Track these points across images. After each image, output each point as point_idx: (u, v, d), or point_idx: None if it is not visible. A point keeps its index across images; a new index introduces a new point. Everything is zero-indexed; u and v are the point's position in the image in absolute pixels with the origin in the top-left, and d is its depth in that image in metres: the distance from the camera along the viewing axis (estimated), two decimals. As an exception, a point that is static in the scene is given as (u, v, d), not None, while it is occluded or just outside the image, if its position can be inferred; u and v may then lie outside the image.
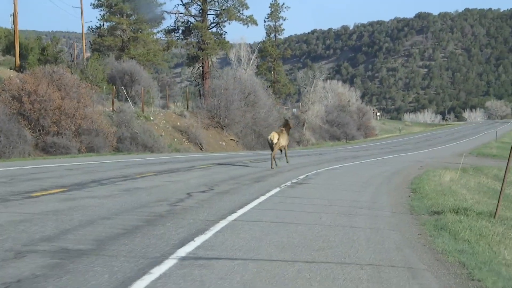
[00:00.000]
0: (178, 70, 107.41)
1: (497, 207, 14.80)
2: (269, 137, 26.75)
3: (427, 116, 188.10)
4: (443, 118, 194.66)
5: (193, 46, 68.50)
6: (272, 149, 26.49)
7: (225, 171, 24.67)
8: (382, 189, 20.52)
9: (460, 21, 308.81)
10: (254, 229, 11.73)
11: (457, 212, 15.18)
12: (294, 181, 21.45)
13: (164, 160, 30.19)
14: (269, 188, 18.58)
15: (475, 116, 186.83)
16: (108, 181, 18.47)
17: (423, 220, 14.19)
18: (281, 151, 27.05)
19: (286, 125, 27.20)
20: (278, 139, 26.24)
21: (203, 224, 11.90)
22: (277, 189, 18.50)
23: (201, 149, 49.65)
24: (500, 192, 14.73)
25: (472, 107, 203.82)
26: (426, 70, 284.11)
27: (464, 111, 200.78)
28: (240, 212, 13.74)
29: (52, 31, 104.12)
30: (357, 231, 12.20)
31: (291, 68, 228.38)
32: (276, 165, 26.91)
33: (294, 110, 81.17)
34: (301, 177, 23.21)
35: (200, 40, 67.85)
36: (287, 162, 27.74)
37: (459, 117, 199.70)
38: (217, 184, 19.06)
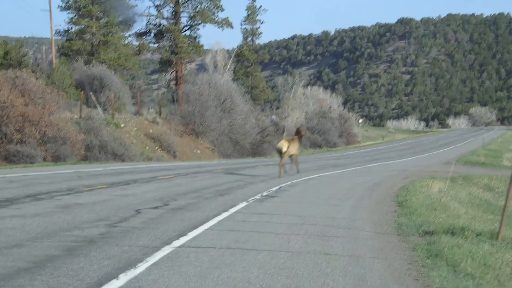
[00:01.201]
0: (156, 76, 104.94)
1: (500, 227, 12.42)
2: (278, 145, 26.31)
3: (411, 123, 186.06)
4: (427, 125, 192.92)
5: (165, 50, 65.85)
6: (281, 157, 26.00)
7: (189, 182, 22.19)
8: (364, 203, 18.08)
9: (443, 27, 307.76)
10: (201, 259, 9.31)
11: (453, 232, 12.80)
12: (264, 194, 18.99)
13: (126, 170, 27.62)
14: (234, 203, 16.13)
15: (459, 123, 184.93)
16: (47, 195, 15.94)
17: (412, 243, 11.80)
18: (291, 159, 26.52)
19: (298, 133, 26.87)
20: (288, 148, 25.63)
21: (139, 253, 9.49)
22: (244, 204, 16.06)
23: (174, 157, 47.11)
24: (503, 211, 12.36)
25: (456, 114, 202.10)
26: (409, 76, 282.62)
27: (448, 118, 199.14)
28: (192, 234, 11.31)
29: (24, 37, 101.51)
30: (332, 260, 9.80)
31: (271, 75, 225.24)
32: (285, 172, 26.51)
33: (273, 116, 78.73)
34: (274, 189, 20.75)
35: (173, 44, 65.20)
36: (297, 171, 27.13)
37: (443, 124, 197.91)
38: (175, 198, 16.58)
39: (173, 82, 67.91)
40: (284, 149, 25.57)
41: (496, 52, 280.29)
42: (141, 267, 8.58)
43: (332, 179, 27.19)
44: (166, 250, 9.78)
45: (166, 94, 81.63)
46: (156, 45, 67.24)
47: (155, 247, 9.98)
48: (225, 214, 13.98)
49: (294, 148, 26.00)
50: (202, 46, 67.77)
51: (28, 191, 16.80)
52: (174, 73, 66.63)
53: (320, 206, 16.65)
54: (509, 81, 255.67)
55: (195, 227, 12.02)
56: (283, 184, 22.56)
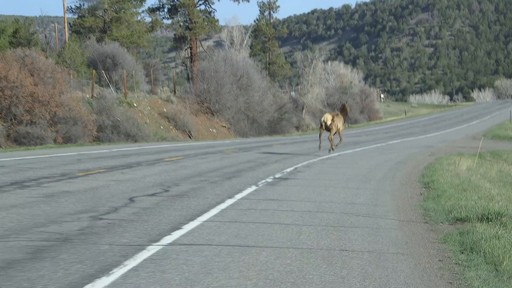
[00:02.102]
0: (173, 54, 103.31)
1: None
2: (322, 119, 25.08)
3: (434, 97, 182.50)
4: (451, 99, 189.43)
5: (180, 26, 63.95)
6: (321, 131, 25.10)
7: (196, 164, 20.64)
8: (386, 185, 16.41)
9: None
10: (192, 261, 7.78)
11: (488, 219, 11.15)
12: (277, 175, 17.40)
13: (132, 152, 26.14)
14: (242, 187, 14.58)
15: (484, 96, 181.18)
16: (35, 182, 14.47)
17: (443, 233, 10.21)
18: (336, 135, 25.47)
19: (343, 109, 25.68)
20: (333, 120, 24.51)
21: (119, 254, 7.98)
22: (252, 188, 14.50)
23: (190, 137, 45.63)
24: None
25: (481, 87, 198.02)
26: (432, 49, 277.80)
27: (473, 91, 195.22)
28: (187, 228, 9.81)
29: (40, 16, 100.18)
30: (349, 258, 8.25)
31: (291, 50, 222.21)
32: (332, 146, 25.50)
33: (292, 93, 76.77)
34: (288, 169, 19.16)
35: (187, 19, 63.29)
36: (332, 148, 25.94)
37: (467, 98, 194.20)
38: (177, 183, 15.06)
39: (188, 60, 66.18)
40: (329, 122, 24.50)
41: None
42: (116, 274, 7.07)
43: (353, 158, 25.51)
44: (152, 250, 8.27)
45: (183, 72, 80.00)
46: (169, 21, 65.35)
47: (140, 245, 8.49)
48: (229, 202, 12.46)
49: (339, 123, 24.99)
50: (217, 21, 65.73)
51: (16, 177, 15.35)
52: (189, 50, 64.85)
53: (338, 189, 15.06)
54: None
55: (192, 219, 10.52)
56: (299, 165, 20.98)
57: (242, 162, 21.72)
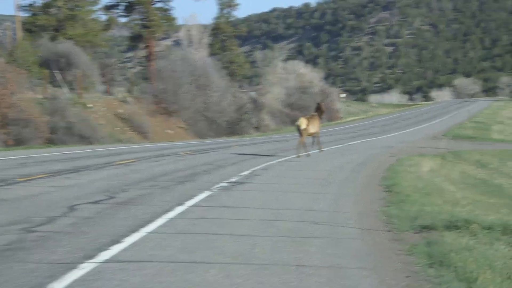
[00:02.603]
0: (131, 54, 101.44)
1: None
2: (297, 123, 24.80)
3: (394, 96, 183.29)
4: (410, 98, 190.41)
5: (136, 24, 62.56)
6: (300, 135, 24.55)
7: (148, 167, 19.64)
8: (347, 189, 15.60)
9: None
10: (129, 282, 6.84)
11: (456, 226, 10.40)
12: (233, 179, 16.49)
13: (82, 154, 25.01)
14: (195, 193, 13.63)
15: (443, 95, 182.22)
16: (-31, 190, 13.36)
17: (408, 244, 9.40)
18: (314, 138, 25.63)
19: (319, 109, 25.33)
20: (307, 125, 24.21)
21: (45, 274, 7.04)
22: (206, 194, 13.57)
23: (146, 138, 44.51)
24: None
25: (440, 86, 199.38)
26: (392, 48, 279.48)
27: (432, 91, 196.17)
28: (129, 240, 8.88)
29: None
30: (307, 276, 7.40)
31: (251, 50, 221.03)
32: (307, 151, 25.08)
33: (252, 93, 75.87)
34: (245, 173, 18.27)
35: (144, 17, 61.98)
36: (319, 151, 26.16)
37: (426, 97, 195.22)
38: (125, 189, 14.06)
39: (145, 59, 64.84)
40: (303, 126, 24.18)
41: (480, 21, 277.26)
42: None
43: (313, 159, 24.67)
44: (84, 268, 7.31)
45: (141, 72, 78.65)
46: (126, 19, 63.83)
47: (72, 263, 7.52)
48: (179, 209, 11.53)
49: (314, 127, 24.70)
50: (174, 19, 64.48)
51: (-51, 185, 14.20)
52: (146, 49, 63.48)
53: (296, 194, 14.22)
54: (494, 50, 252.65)
55: (136, 230, 9.58)
56: (257, 167, 20.10)
57: (198, 164, 20.78)
